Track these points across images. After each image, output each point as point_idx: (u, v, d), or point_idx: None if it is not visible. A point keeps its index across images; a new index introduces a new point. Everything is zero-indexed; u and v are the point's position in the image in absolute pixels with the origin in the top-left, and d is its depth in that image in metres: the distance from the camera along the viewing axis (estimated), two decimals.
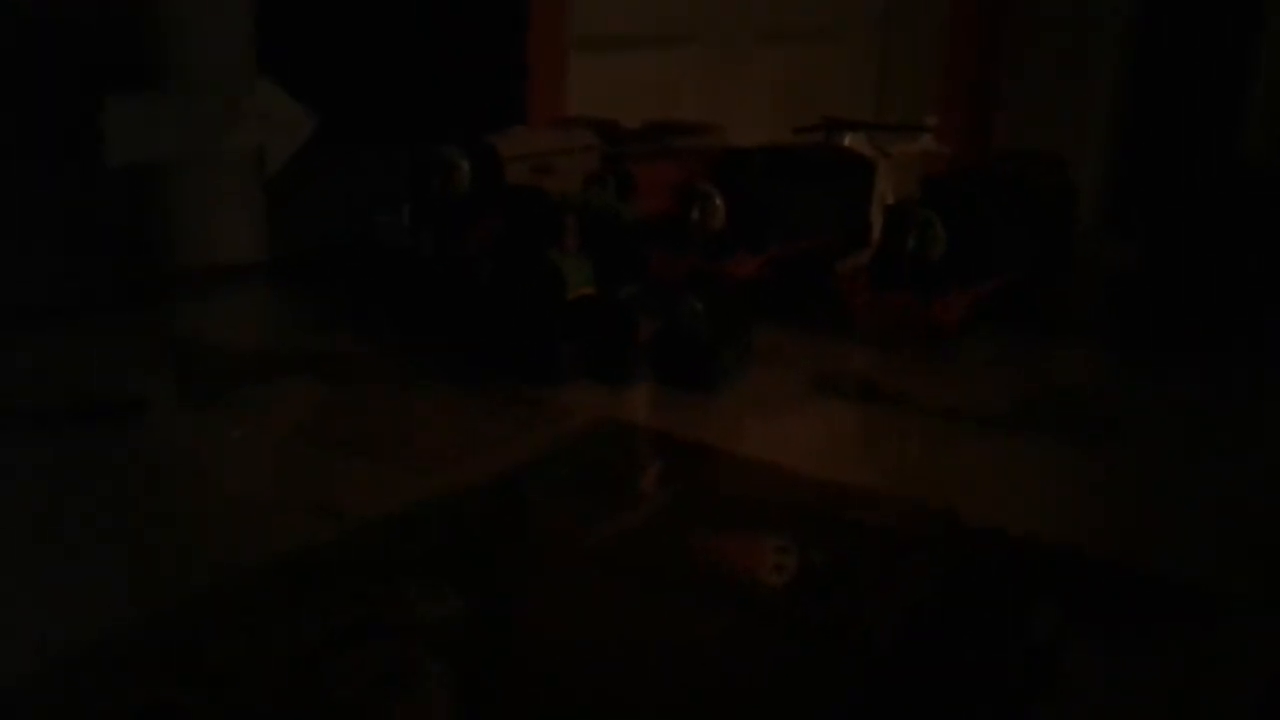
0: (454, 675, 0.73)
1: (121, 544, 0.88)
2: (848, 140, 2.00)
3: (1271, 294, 1.55)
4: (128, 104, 1.50)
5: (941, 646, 0.77)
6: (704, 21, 3.40)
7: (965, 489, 1.02)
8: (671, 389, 1.23)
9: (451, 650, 0.75)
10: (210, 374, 1.23)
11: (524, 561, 0.89)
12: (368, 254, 1.49)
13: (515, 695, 0.72)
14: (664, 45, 3.33)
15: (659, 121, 2.02)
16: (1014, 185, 1.52)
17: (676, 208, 1.49)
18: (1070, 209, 1.62)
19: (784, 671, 0.75)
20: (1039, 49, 2.80)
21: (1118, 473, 1.07)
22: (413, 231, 1.49)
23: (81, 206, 1.77)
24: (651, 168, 1.68)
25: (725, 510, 0.97)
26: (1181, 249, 1.60)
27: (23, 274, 1.53)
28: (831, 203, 1.61)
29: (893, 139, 2.05)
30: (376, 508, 0.93)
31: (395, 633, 0.76)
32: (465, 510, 0.95)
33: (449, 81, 2.14)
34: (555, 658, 0.76)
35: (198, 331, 1.38)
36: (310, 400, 1.18)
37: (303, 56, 1.73)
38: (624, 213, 1.34)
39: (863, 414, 1.20)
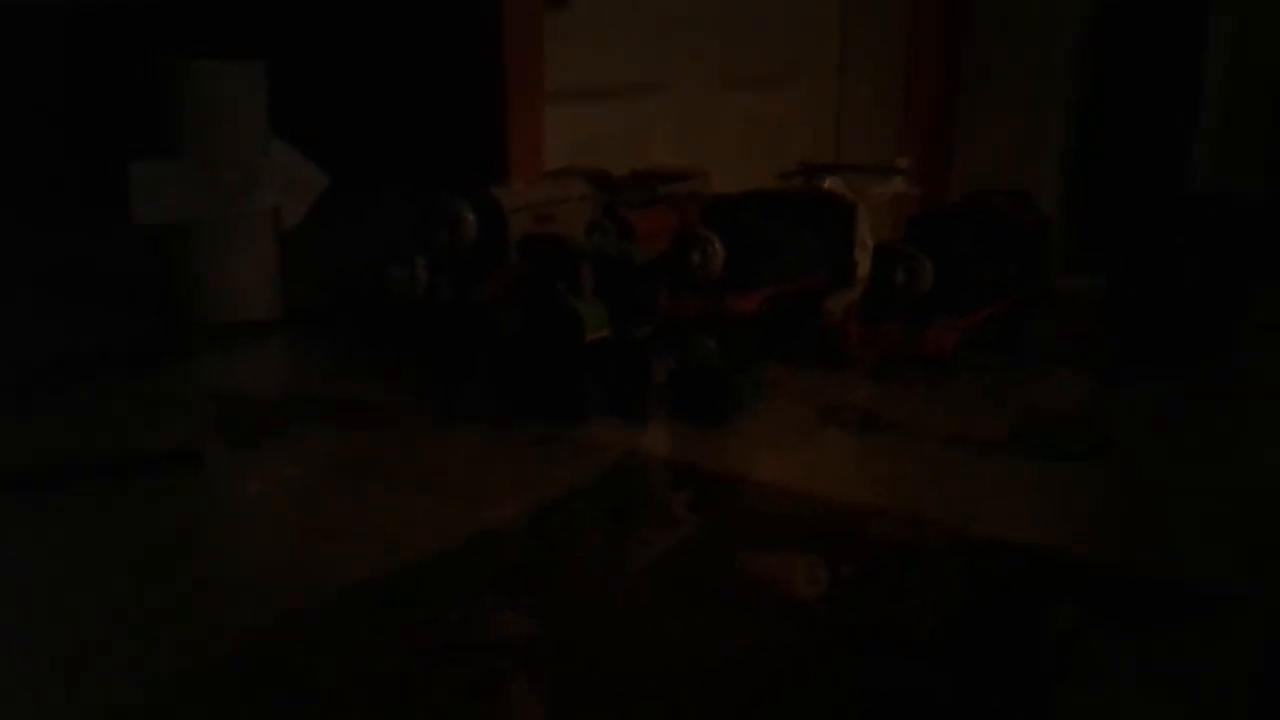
0: (538, 687, 0.79)
1: (197, 582, 0.94)
2: (826, 183, 2.10)
3: (1234, 310, 1.66)
4: (153, 167, 1.58)
5: (969, 640, 0.85)
6: (671, 71, 3.53)
7: (972, 505, 1.10)
8: (688, 424, 1.30)
9: (533, 663, 0.82)
10: (251, 421, 1.29)
11: (582, 582, 0.96)
12: (384, 305, 1.56)
13: (593, 700, 0.79)
14: (633, 95, 3.45)
15: (645, 169, 2.11)
16: (993, 219, 1.62)
17: (674, 252, 1.58)
18: (1047, 239, 1.73)
19: (829, 669, 0.82)
20: (992, 90, 2.93)
21: (1114, 484, 1.16)
22: (429, 282, 1.56)
23: (101, 261, 1.83)
24: (648, 214, 1.77)
25: (755, 531, 1.05)
26: (1142, 276, 1.70)
27: (46, 330, 1.60)
28: (819, 243, 1.70)
29: (868, 181, 2.16)
30: (436, 540, 1.00)
31: (480, 650, 0.83)
32: (515, 539, 1.02)
33: (447, 136, 2.23)
34: (624, 666, 0.84)
35: (230, 381, 1.45)
36: (352, 443, 1.25)
37: (307, 118, 1.81)
38: (635, 256, 1.43)
39: (868, 442, 1.28)
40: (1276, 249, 1.84)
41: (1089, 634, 0.86)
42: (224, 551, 1.00)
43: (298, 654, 0.84)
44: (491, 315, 1.41)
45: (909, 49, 3.53)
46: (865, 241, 2.04)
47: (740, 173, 3.54)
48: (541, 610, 0.89)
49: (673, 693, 0.79)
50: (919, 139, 3.14)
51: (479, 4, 2.66)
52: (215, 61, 1.60)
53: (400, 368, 1.44)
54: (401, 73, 2.52)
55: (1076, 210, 2.72)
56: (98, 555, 0.98)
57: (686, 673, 0.81)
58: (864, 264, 1.70)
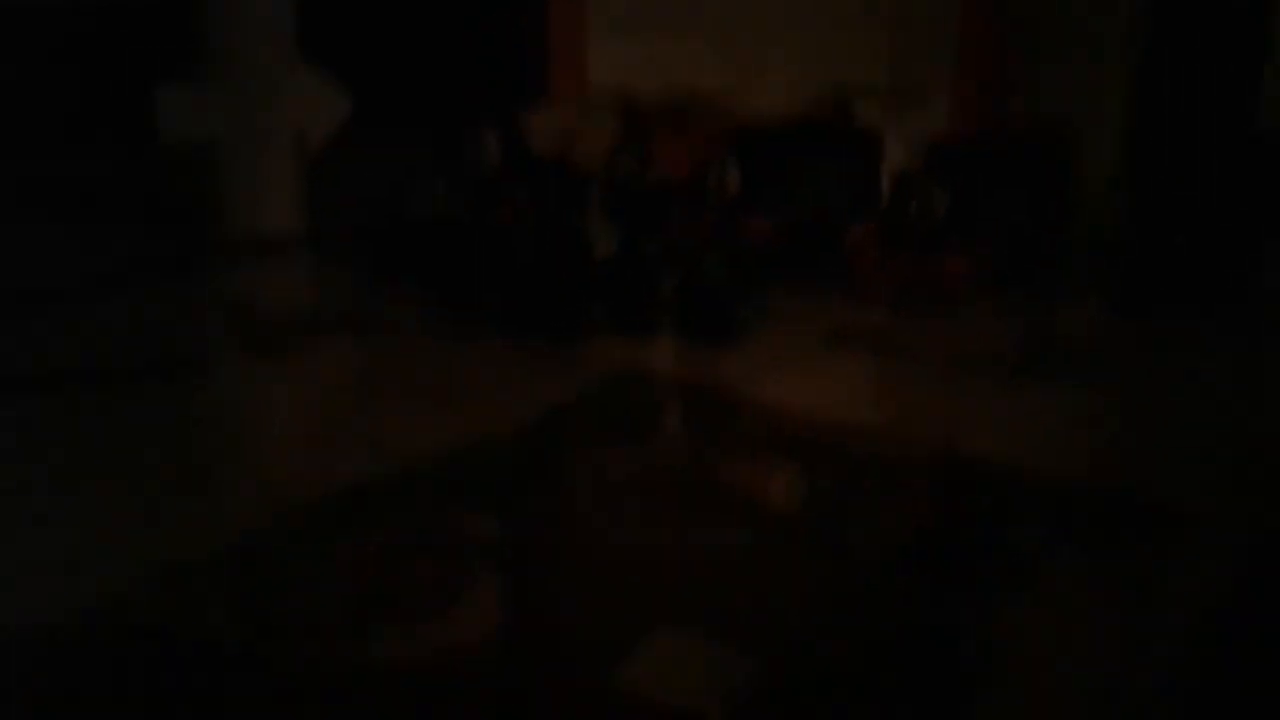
0: (502, 584, 0.82)
1: (197, 480, 0.98)
2: (858, 110, 2.08)
3: (1264, 254, 1.63)
4: (178, 89, 1.61)
5: (934, 562, 0.86)
6: None
7: (967, 428, 1.11)
8: (691, 341, 1.32)
9: (498, 567, 0.84)
10: (264, 335, 1.33)
11: (561, 489, 0.99)
12: (405, 225, 1.58)
13: (557, 603, 0.81)
14: (685, 13, 3.37)
15: (679, 92, 2.09)
16: (1011, 152, 1.60)
17: (691, 175, 1.58)
18: (1067, 173, 1.70)
19: (796, 582, 0.84)
20: (1054, 16, 2.84)
21: (1108, 409, 1.16)
22: (449, 203, 1.58)
23: (134, 181, 1.88)
24: (669, 140, 1.77)
25: (740, 445, 1.06)
26: (1182, 210, 1.68)
27: (81, 245, 1.64)
28: (838, 173, 1.69)
29: (902, 106, 2.13)
30: (427, 447, 1.03)
31: (449, 550, 0.86)
32: (505, 448, 1.04)
33: (477, 62, 2.23)
34: (592, 570, 0.86)
35: (249, 297, 1.48)
36: (358, 356, 1.28)
37: (336, 42, 1.83)
38: (645, 178, 1.43)
39: (871, 364, 1.29)
40: None
41: (1052, 553, 0.87)
42: (225, 454, 1.04)
43: (283, 547, 0.87)
44: (505, 237, 1.43)
45: None
46: (896, 166, 2.02)
47: (789, 76, 3.42)
48: (515, 517, 0.92)
49: (637, 599, 0.81)
50: (975, 64, 3.05)
51: None
52: None
53: (414, 286, 1.46)
54: None
55: (1137, 142, 2.62)
56: (108, 453, 1.02)
57: (653, 584, 0.83)
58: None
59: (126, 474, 0.99)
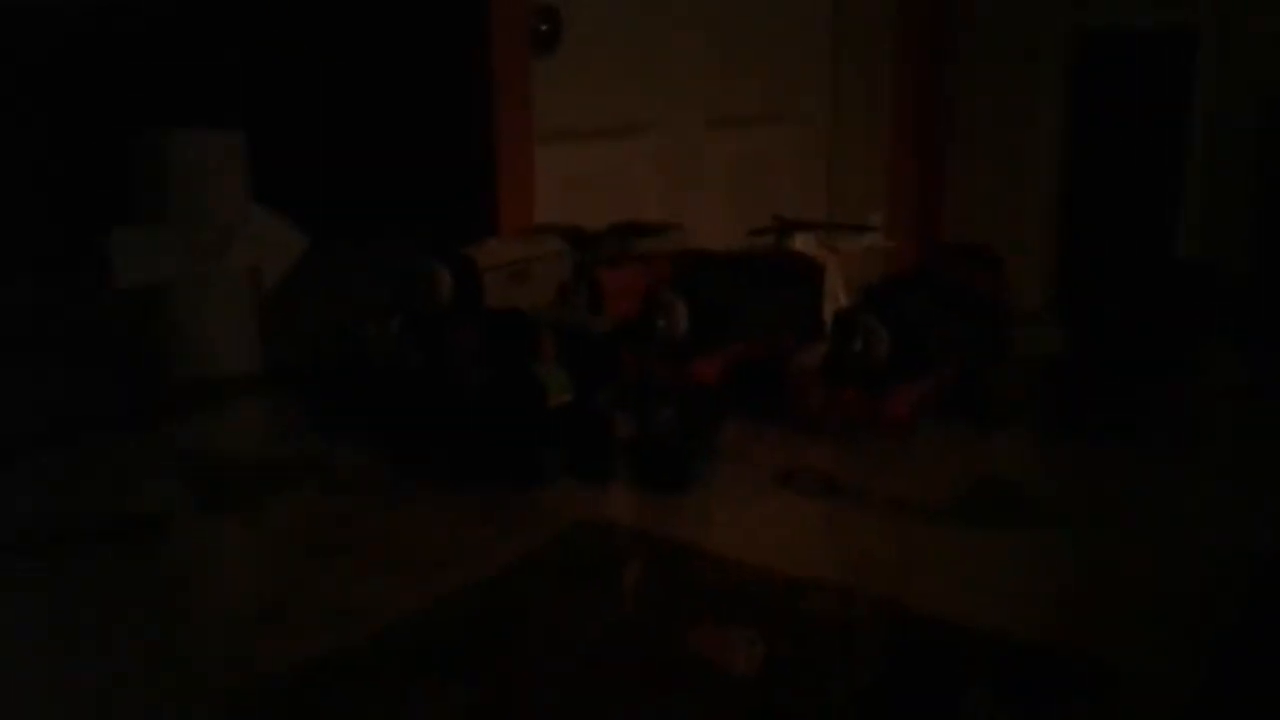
0: None
1: (155, 651, 0.99)
2: (798, 240, 2.15)
3: (1179, 372, 1.71)
4: (133, 232, 1.63)
5: None
6: (658, 112, 3.59)
7: (912, 577, 1.14)
8: (647, 490, 1.35)
9: None
10: (220, 486, 1.34)
11: (527, 659, 1.01)
12: (358, 365, 1.60)
13: None
14: (619, 137, 3.51)
15: (621, 224, 2.16)
16: (949, 287, 1.67)
17: (640, 316, 1.62)
18: (1004, 305, 1.77)
19: None
20: (979, 147, 2.98)
21: (1047, 557, 1.20)
22: (400, 344, 1.61)
23: (85, 325, 1.88)
24: (618, 274, 1.82)
25: (699, 605, 1.09)
26: (1110, 337, 1.75)
27: (28, 395, 1.64)
28: (788, 303, 1.75)
29: (842, 237, 2.21)
30: (388, 614, 1.04)
31: None
32: (466, 612, 1.06)
33: (417, 180, 2.28)
34: None
35: (202, 443, 1.49)
36: (315, 511, 1.29)
37: (284, 179, 1.86)
38: (595, 325, 1.48)
39: (818, 509, 1.33)
40: (1236, 315, 1.89)
41: (1001, 714, 0.90)
42: (179, 626, 1.04)
43: None
44: (457, 380, 1.45)
45: (896, 94, 3.59)
46: (838, 296, 2.10)
47: (727, 214, 3.62)
48: (486, 688, 0.94)
49: None
50: (907, 188, 3.19)
51: (466, 55, 2.72)
52: (195, 130, 1.65)
53: (370, 429, 1.48)
54: (388, 124, 2.57)
55: (1061, 268, 2.75)
56: (66, 623, 1.02)
57: None
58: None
59: (87, 647, 0.99)
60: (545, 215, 2.94)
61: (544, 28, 2.97)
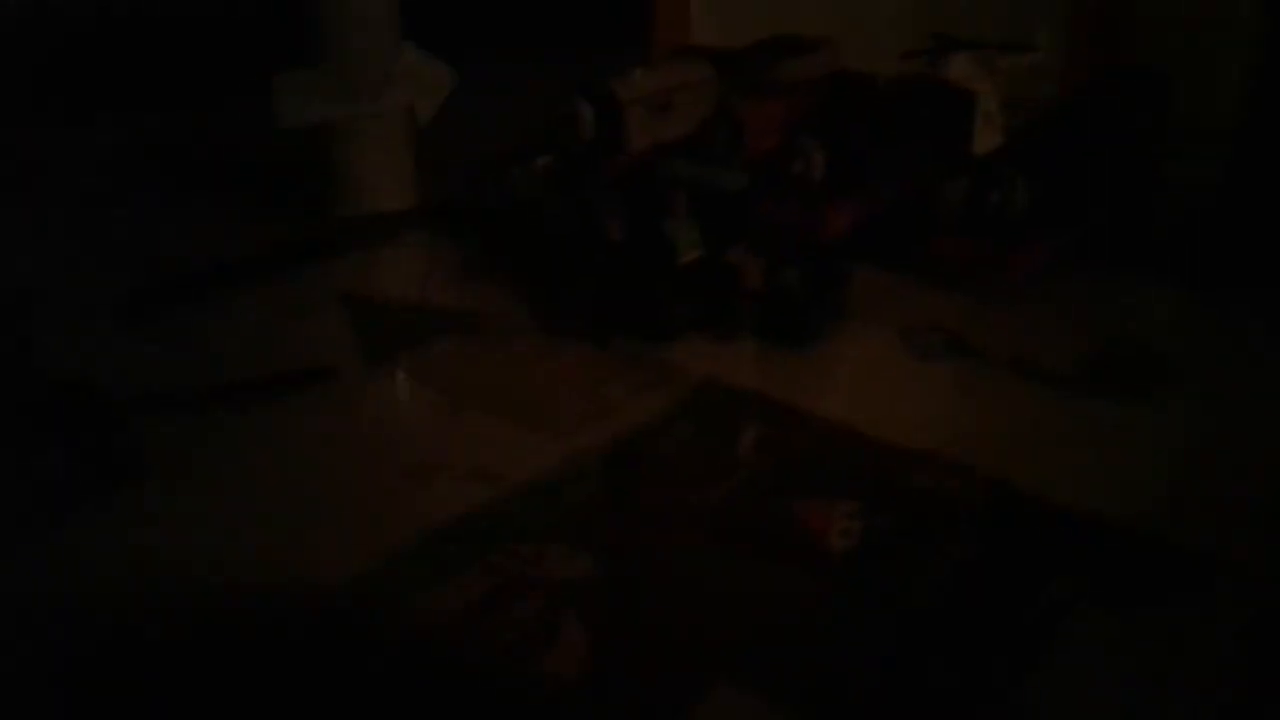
0: (588, 627, 0.95)
1: (310, 514, 1.11)
2: (955, 63, 2.07)
3: None
4: (294, 75, 1.71)
5: (966, 610, 0.96)
6: None
7: (1023, 453, 1.18)
8: (772, 345, 1.41)
9: (587, 606, 0.97)
10: (380, 336, 1.46)
11: (639, 526, 1.11)
12: (506, 205, 1.67)
13: (633, 641, 0.94)
14: None
15: (769, 40, 2.10)
16: (1100, 130, 1.61)
17: (777, 159, 1.63)
18: (1160, 142, 1.70)
19: (837, 627, 0.95)
20: None
21: (1163, 436, 1.21)
22: (546, 185, 1.67)
23: (248, 161, 2.00)
24: (759, 111, 1.81)
25: (806, 477, 1.16)
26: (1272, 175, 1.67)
27: (208, 231, 1.78)
28: (928, 145, 1.72)
29: (1000, 56, 2.11)
30: (525, 473, 1.15)
31: (538, 591, 0.99)
32: (593, 476, 1.16)
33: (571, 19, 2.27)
34: (665, 610, 0.98)
35: (364, 286, 1.60)
36: (463, 363, 1.40)
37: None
38: (729, 182, 1.50)
39: (939, 373, 1.36)
40: None
41: (1082, 606, 0.96)
42: (339, 486, 1.16)
43: (394, 585, 1.01)
44: (596, 229, 1.51)
45: None
46: (994, 119, 2.03)
47: (897, 11, 3.42)
48: (602, 553, 1.04)
49: (700, 640, 0.93)
50: (1089, 12, 2.96)
51: None
52: None
53: (516, 273, 1.57)
54: None
55: (1263, 91, 2.51)
56: (233, 474, 1.17)
57: (715, 624, 0.95)
58: (989, 140, 1.72)
59: (249, 498, 1.13)
60: (704, 15, 2.86)
61: None
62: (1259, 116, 1.84)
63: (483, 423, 1.26)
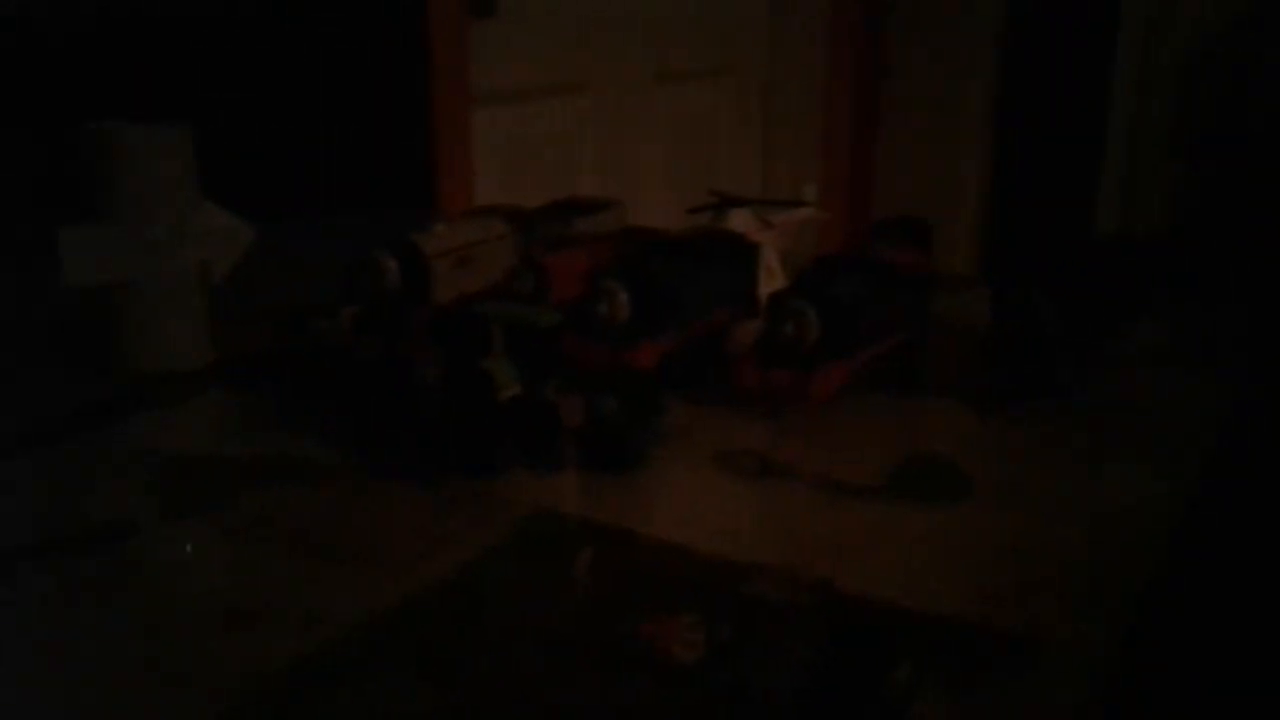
0: None
1: (130, 663, 1.04)
2: (735, 216, 2.22)
3: (1094, 346, 1.81)
4: (81, 232, 1.65)
5: (818, 706, 0.98)
6: (596, 71, 3.63)
7: (843, 557, 1.23)
8: (594, 473, 1.43)
9: None
10: (181, 487, 1.39)
11: (483, 652, 1.08)
12: (311, 356, 1.65)
13: None
14: (561, 93, 3.54)
15: (561, 201, 2.20)
16: (880, 265, 1.75)
17: (582, 302, 1.68)
18: (930, 278, 1.86)
19: None
20: (910, 121, 3.05)
21: (973, 533, 1.29)
22: (353, 334, 1.66)
23: (36, 323, 1.91)
24: (562, 259, 1.87)
25: (644, 592, 1.17)
26: (1028, 309, 1.83)
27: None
28: (722, 287, 1.82)
29: (777, 212, 2.27)
30: (356, 614, 1.11)
31: None
32: (437, 604, 1.13)
33: (363, 156, 2.31)
34: None
35: (160, 443, 1.53)
36: (277, 508, 1.35)
37: (230, 162, 1.89)
38: (542, 319, 1.54)
39: (755, 490, 1.41)
40: (1154, 286, 1.99)
41: (923, 688, 1.00)
42: (154, 644, 1.09)
43: None
44: (412, 372, 1.51)
45: (832, 54, 3.65)
46: (774, 272, 2.16)
47: (665, 176, 3.65)
48: (450, 684, 1.01)
49: None
50: (837, 166, 3.25)
51: (404, 21, 2.73)
52: (141, 127, 1.67)
53: (327, 420, 1.54)
54: (329, 102, 2.58)
55: (989, 239, 2.83)
56: (52, 634, 1.08)
57: None
58: (773, 286, 1.84)
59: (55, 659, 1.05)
60: (485, 177, 2.97)
61: None
62: (993, 260, 2.05)
63: (305, 566, 1.21)
